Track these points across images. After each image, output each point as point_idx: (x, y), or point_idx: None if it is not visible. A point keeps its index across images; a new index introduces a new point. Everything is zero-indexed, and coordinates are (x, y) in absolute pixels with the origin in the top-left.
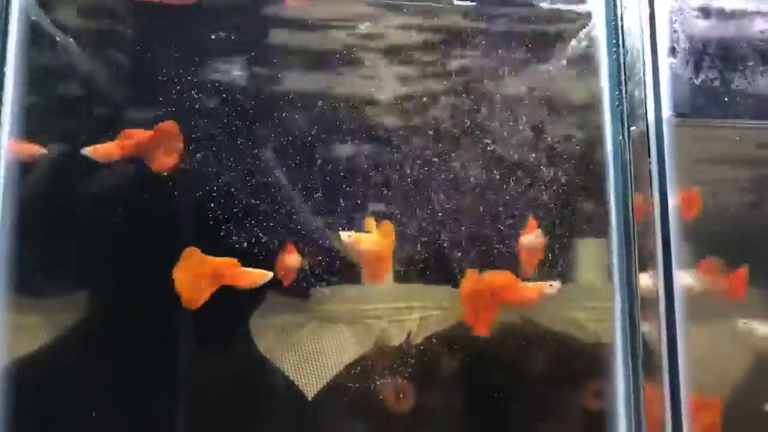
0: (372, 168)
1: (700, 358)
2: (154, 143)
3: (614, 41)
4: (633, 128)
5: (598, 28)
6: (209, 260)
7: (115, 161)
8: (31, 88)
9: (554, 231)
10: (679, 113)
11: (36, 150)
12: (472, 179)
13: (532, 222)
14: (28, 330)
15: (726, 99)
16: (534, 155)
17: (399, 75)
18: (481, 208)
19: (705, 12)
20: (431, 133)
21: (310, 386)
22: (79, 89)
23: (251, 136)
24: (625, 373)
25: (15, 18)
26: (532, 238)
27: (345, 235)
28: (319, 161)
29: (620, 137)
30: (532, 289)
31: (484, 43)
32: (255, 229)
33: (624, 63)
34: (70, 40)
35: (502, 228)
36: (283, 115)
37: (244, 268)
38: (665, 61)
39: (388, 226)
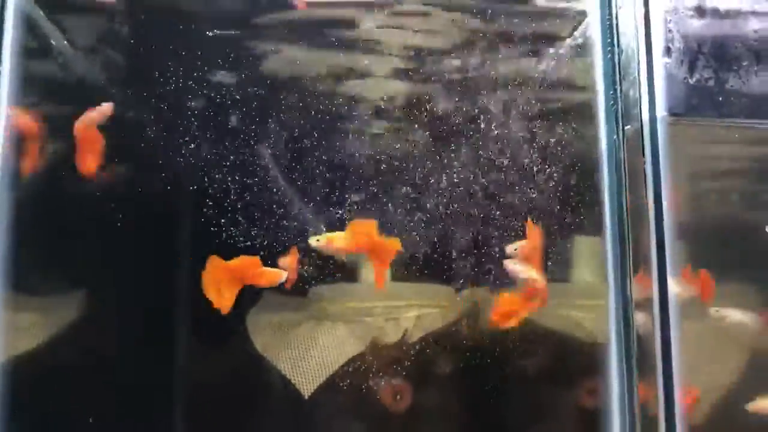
0: (367, 167)
1: (694, 356)
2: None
3: (609, 41)
4: (627, 127)
5: (593, 27)
6: (230, 264)
7: None
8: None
9: (550, 230)
10: (673, 113)
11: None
12: (467, 178)
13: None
14: (25, 328)
15: (720, 99)
16: (528, 154)
17: (391, 74)
18: (476, 207)
19: (700, 12)
20: (424, 132)
21: (307, 384)
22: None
23: (244, 133)
24: (619, 372)
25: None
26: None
27: (314, 240)
28: (313, 159)
29: (615, 136)
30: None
31: (478, 42)
32: (252, 228)
33: (619, 62)
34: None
35: (497, 227)
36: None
37: (263, 268)
38: (660, 61)
39: (360, 225)
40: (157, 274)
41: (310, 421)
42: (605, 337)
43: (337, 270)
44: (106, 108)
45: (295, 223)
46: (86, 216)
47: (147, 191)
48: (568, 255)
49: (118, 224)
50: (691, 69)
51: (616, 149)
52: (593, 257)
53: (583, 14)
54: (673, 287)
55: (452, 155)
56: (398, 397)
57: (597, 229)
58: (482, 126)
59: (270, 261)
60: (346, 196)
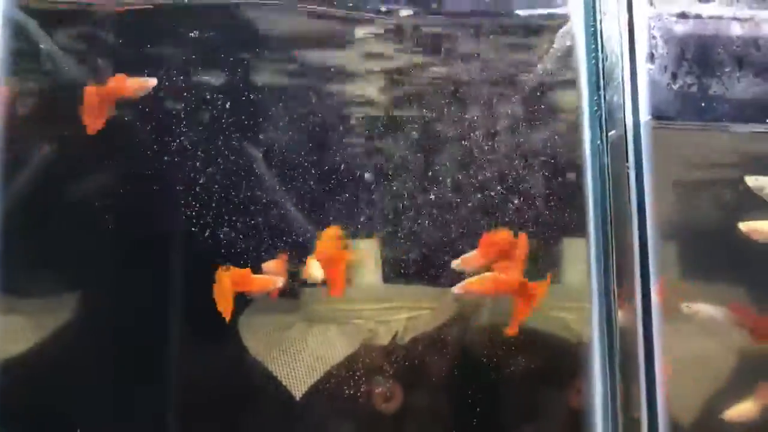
0: (355, 170)
1: (677, 358)
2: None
3: (593, 47)
4: (611, 132)
5: (577, 33)
6: (228, 274)
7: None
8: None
9: (536, 232)
10: (657, 118)
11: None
12: (455, 182)
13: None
14: (18, 330)
15: (703, 104)
16: (515, 158)
17: (374, 83)
18: (465, 209)
19: (683, 18)
20: (411, 135)
21: (298, 386)
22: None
23: (235, 135)
24: (602, 373)
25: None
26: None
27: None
28: (303, 164)
29: (598, 141)
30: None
31: (462, 49)
32: (243, 230)
33: (603, 68)
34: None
35: (486, 228)
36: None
37: (255, 276)
38: (643, 67)
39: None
40: (149, 276)
41: (302, 423)
42: (588, 339)
43: None
44: (150, 82)
45: (284, 228)
46: (77, 218)
47: (139, 194)
48: (555, 258)
49: (109, 226)
50: (675, 75)
51: (600, 154)
52: (579, 260)
53: (566, 19)
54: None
55: (441, 159)
56: (389, 398)
57: (582, 233)
58: (468, 131)
59: (257, 265)
60: (336, 199)
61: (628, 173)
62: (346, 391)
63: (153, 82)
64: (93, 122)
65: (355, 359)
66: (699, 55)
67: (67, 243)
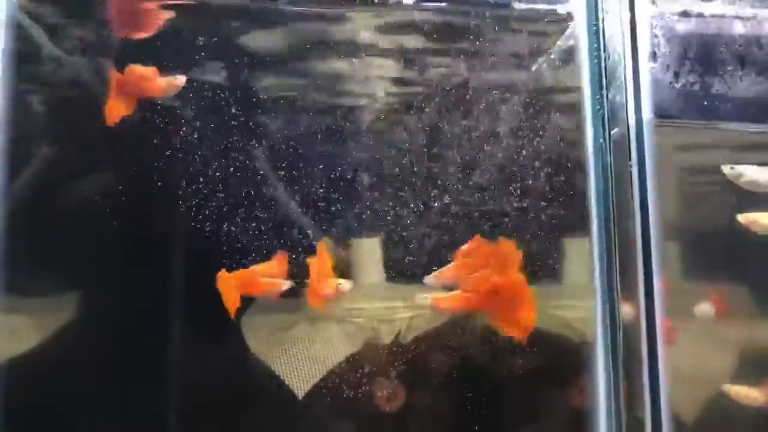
0: (357, 168)
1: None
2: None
3: (595, 45)
4: (614, 131)
5: (580, 32)
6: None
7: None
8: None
9: (537, 232)
10: (659, 116)
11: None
12: (457, 181)
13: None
14: (20, 330)
15: (706, 103)
16: (517, 157)
17: (375, 79)
18: (468, 208)
19: (685, 17)
20: (413, 133)
21: (301, 385)
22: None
23: (238, 135)
24: (605, 371)
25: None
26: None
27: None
28: (305, 164)
29: (601, 140)
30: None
31: (463, 46)
32: (245, 229)
33: (605, 67)
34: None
35: (489, 227)
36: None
37: (260, 278)
38: (646, 66)
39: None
40: (151, 276)
41: (304, 422)
42: (591, 337)
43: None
44: (179, 81)
45: (285, 228)
46: (80, 218)
47: (142, 194)
48: (557, 257)
49: (112, 226)
50: (677, 73)
51: (602, 153)
52: (580, 259)
53: (569, 18)
54: (658, 288)
55: (442, 158)
56: (391, 397)
57: (585, 231)
58: (469, 129)
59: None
60: (338, 197)
61: (630, 171)
62: (349, 391)
63: (182, 80)
64: (114, 111)
65: (358, 358)
66: (701, 54)
67: (69, 242)
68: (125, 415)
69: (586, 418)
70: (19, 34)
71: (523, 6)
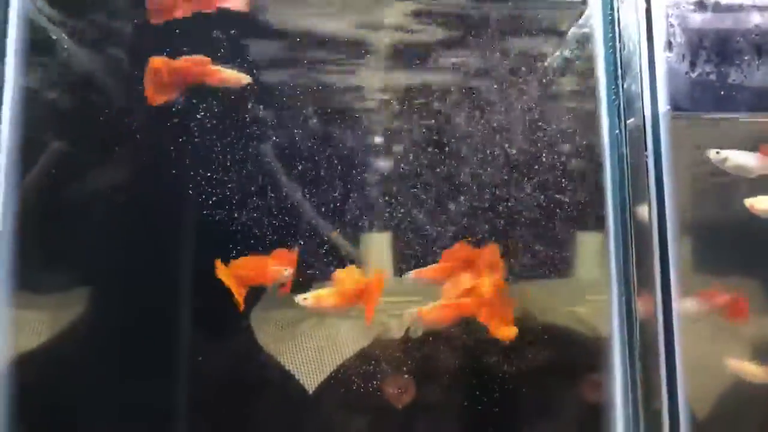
0: (369, 159)
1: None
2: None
3: (611, 36)
4: (630, 121)
5: (595, 22)
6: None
7: None
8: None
9: (552, 225)
10: (675, 107)
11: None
12: (469, 173)
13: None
14: (31, 325)
15: (722, 93)
16: (531, 149)
17: (389, 67)
18: (479, 201)
19: (701, 6)
20: (426, 124)
21: (311, 380)
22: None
23: (250, 131)
24: (622, 364)
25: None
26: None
27: (301, 299)
28: (315, 158)
29: (617, 131)
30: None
31: (478, 36)
32: (254, 223)
33: (620, 57)
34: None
35: (500, 222)
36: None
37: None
38: (661, 55)
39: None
40: (162, 271)
41: (314, 416)
42: (608, 332)
43: (339, 266)
44: (244, 79)
45: (296, 222)
46: (90, 214)
47: (152, 189)
48: (569, 251)
49: (123, 221)
50: (693, 63)
51: (618, 144)
52: (592, 253)
53: (584, 7)
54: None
55: (454, 149)
56: (401, 392)
57: (599, 225)
58: (484, 120)
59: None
60: (348, 192)
61: (646, 162)
62: (359, 385)
63: (247, 79)
64: (155, 95)
65: (368, 353)
66: (717, 44)
67: (80, 238)
68: (135, 409)
69: (603, 411)
70: (31, 27)
71: None
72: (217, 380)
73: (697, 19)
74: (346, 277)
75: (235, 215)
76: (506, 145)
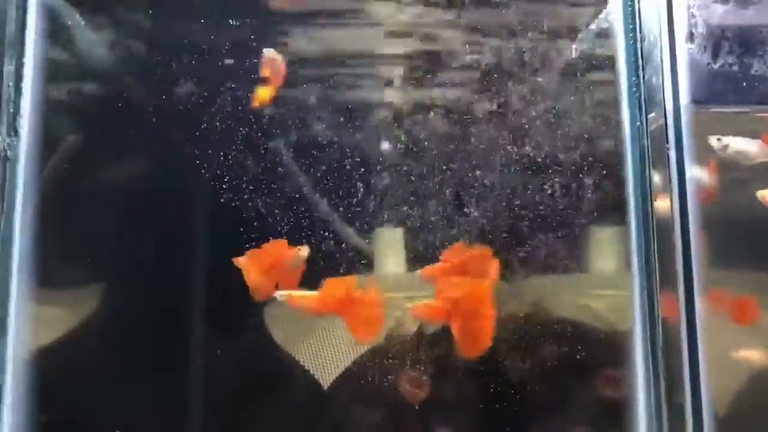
0: (385, 155)
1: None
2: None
3: (631, 27)
4: (651, 114)
5: (615, 13)
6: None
7: None
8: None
9: (570, 220)
10: (697, 99)
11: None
12: (485, 167)
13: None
14: (50, 321)
15: (745, 84)
16: (549, 144)
17: (407, 60)
18: (494, 196)
19: None
20: (442, 118)
21: (326, 375)
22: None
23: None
24: (644, 358)
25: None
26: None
27: (278, 295)
28: (327, 152)
29: (638, 123)
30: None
31: (498, 30)
32: (268, 219)
33: (641, 48)
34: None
35: (516, 217)
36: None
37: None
38: (683, 47)
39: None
40: (178, 267)
41: (330, 412)
42: (629, 326)
43: (352, 262)
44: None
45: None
46: (107, 209)
47: (166, 184)
48: (585, 246)
49: (139, 216)
50: (715, 55)
51: (639, 136)
52: (607, 247)
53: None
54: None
55: (471, 143)
56: (416, 387)
57: (619, 218)
58: (502, 115)
59: None
60: (361, 187)
61: (668, 155)
62: (374, 381)
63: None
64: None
65: (382, 348)
66: (740, 35)
67: (98, 233)
68: (151, 402)
69: (625, 406)
70: (52, 16)
71: None
72: (232, 375)
73: (719, 9)
74: (333, 287)
75: (253, 212)
76: (525, 139)
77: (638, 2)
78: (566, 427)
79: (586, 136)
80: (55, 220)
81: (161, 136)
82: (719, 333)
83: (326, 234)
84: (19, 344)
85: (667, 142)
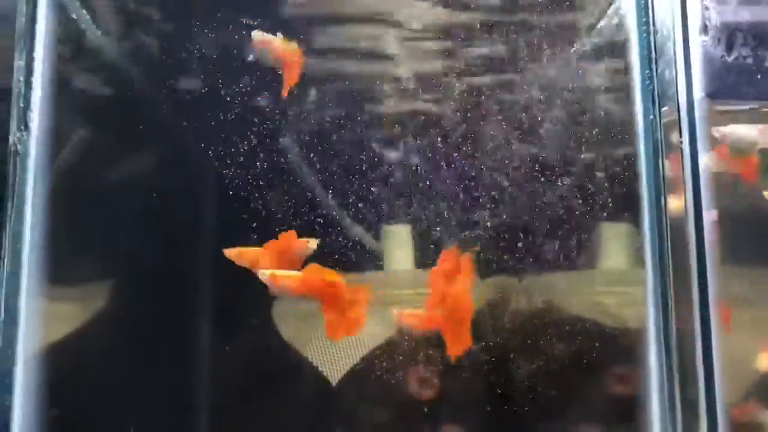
0: (397, 149)
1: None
2: None
3: (644, 20)
4: (665, 108)
5: (628, 6)
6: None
7: None
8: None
9: (582, 215)
10: (711, 92)
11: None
12: (495, 164)
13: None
14: (61, 316)
15: (759, 77)
16: (561, 139)
17: (421, 56)
18: (504, 194)
19: None
20: (455, 114)
21: (334, 372)
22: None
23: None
24: (658, 358)
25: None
26: None
27: (261, 273)
28: (339, 152)
29: (651, 116)
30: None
31: (509, 22)
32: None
33: (654, 41)
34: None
35: (525, 215)
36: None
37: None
38: (696, 39)
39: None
40: (188, 263)
41: (338, 408)
42: (642, 322)
43: (362, 258)
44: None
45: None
46: (117, 204)
47: (176, 179)
48: (600, 241)
49: (150, 212)
50: (729, 47)
51: (653, 130)
52: (617, 243)
53: None
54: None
55: (481, 140)
56: (425, 384)
57: (632, 214)
58: (513, 109)
59: None
60: (370, 182)
61: (681, 149)
62: (382, 377)
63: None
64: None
65: (391, 345)
66: (755, 27)
67: (108, 228)
68: (161, 399)
69: (639, 403)
70: (62, 16)
71: None
72: (240, 373)
73: (733, 1)
74: (317, 270)
75: (264, 208)
76: (536, 135)
77: None
78: (581, 424)
79: (598, 131)
80: (66, 215)
81: (172, 130)
82: (733, 329)
83: (335, 230)
84: (29, 340)
85: (681, 136)
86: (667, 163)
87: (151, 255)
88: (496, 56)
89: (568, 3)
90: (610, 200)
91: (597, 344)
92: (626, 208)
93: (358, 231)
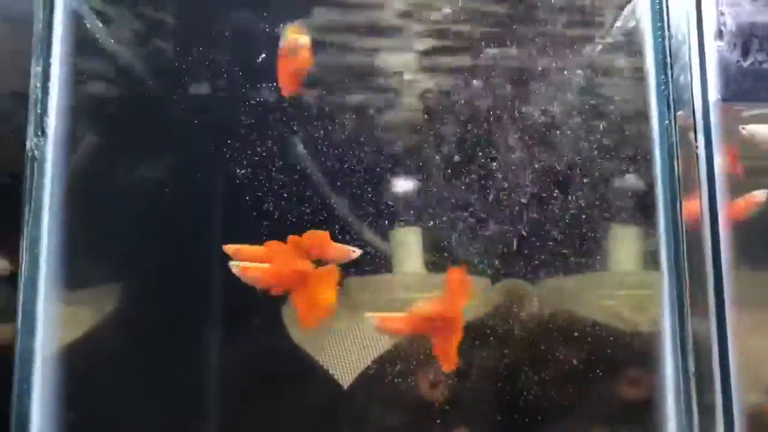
0: (406, 150)
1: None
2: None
3: (659, 24)
4: (680, 113)
5: (643, 10)
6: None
7: None
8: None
9: (598, 219)
10: (726, 97)
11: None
12: (508, 167)
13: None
14: (77, 319)
15: None
16: (575, 140)
17: (435, 50)
18: (517, 197)
19: None
20: (465, 113)
21: (345, 375)
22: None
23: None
24: (674, 361)
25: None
26: None
27: (232, 264)
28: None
29: (666, 121)
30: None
31: (523, 25)
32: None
33: (669, 46)
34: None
35: (538, 218)
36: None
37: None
38: (712, 44)
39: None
40: (200, 267)
41: (349, 411)
42: (658, 325)
43: (371, 261)
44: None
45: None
46: (132, 209)
47: (190, 184)
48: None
49: (165, 216)
50: (745, 52)
51: (668, 134)
52: (628, 246)
53: None
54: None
55: (495, 142)
56: (435, 387)
57: (648, 217)
58: (528, 114)
59: None
60: (378, 186)
61: (696, 153)
62: (393, 380)
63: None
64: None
65: (401, 348)
66: None
67: (124, 232)
68: (173, 399)
69: (655, 405)
70: (76, 18)
71: None
72: (251, 375)
73: (749, 6)
74: (286, 261)
75: (277, 210)
76: (552, 137)
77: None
78: (597, 428)
79: (613, 134)
80: (83, 219)
81: (187, 135)
82: (749, 331)
83: (343, 233)
84: (47, 343)
85: (696, 141)
86: (682, 166)
87: (165, 258)
88: (506, 62)
89: (582, 8)
90: (625, 204)
91: (612, 348)
92: (642, 211)
93: (367, 233)
